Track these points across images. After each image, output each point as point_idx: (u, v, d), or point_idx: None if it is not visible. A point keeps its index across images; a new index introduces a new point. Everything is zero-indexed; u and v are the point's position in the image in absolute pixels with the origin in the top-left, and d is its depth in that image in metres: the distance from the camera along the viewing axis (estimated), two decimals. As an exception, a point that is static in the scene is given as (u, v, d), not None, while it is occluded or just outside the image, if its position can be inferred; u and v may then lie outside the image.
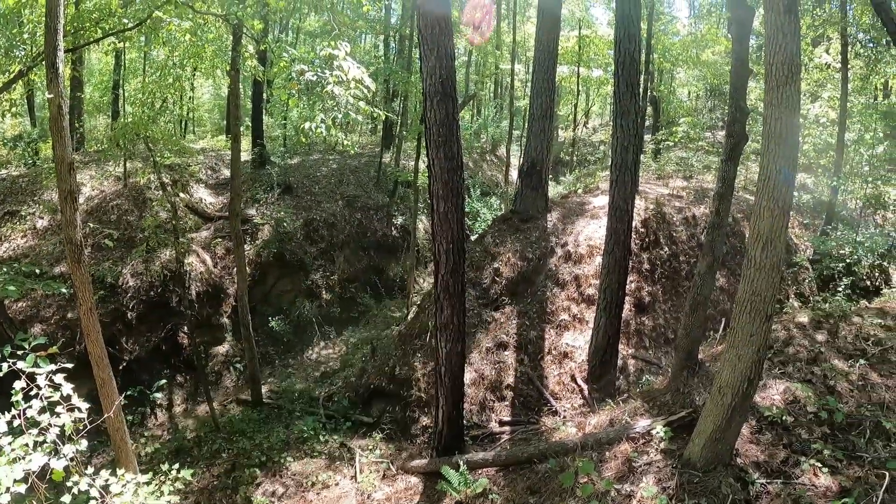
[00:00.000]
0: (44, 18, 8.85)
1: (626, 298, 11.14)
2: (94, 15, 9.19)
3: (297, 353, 16.22)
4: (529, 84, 17.10)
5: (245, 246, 14.85)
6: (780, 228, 5.46)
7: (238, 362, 14.95)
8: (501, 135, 27.00)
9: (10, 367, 4.67)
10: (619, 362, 10.98)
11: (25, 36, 9.35)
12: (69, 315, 12.38)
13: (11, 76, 8.87)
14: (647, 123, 22.39)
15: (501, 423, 10.70)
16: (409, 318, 14.54)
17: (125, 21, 9.49)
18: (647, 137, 22.05)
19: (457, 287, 8.49)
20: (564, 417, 9.96)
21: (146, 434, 12.35)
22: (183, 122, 26.21)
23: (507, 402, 11.01)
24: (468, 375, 10.66)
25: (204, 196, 18.00)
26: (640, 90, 12.82)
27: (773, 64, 5.10)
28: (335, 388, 13.42)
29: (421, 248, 19.67)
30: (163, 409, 13.39)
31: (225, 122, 24.52)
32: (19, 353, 4.77)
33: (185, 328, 13.96)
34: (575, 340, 11.68)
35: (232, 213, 13.25)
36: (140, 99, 14.54)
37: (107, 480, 4.96)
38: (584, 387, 10.80)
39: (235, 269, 14.05)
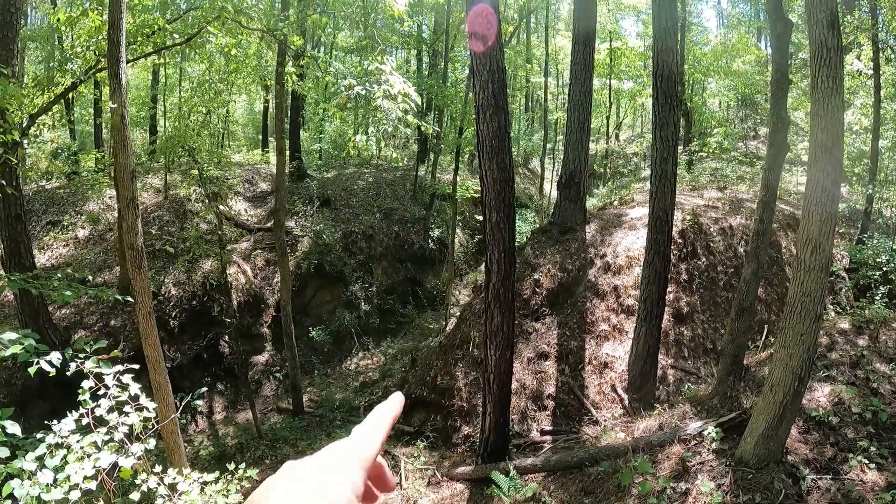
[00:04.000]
0: (93, 34, 9.27)
1: (665, 309, 11.21)
2: (145, 30, 9.53)
3: (337, 363, 16.47)
4: (560, 97, 17.22)
5: (287, 258, 15.19)
6: (828, 232, 5.63)
7: (278, 371, 15.25)
8: (534, 148, 27.19)
9: (77, 366, 4.76)
10: (659, 372, 11.02)
11: (78, 49, 9.72)
12: (112, 322, 12.79)
13: (64, 88, 9.24)
14: (679, 134, 22.46)
15: (543, 433, 10.80)
16: (448, 329, 14.75)
17: (175, 36, 9.86)
18: (679, 148, 22.10)
19: (507, 295, 8.67)
20: (605, 427, 10.07)
21: (186, 440, 12.66)
22: (220, 136, 26.84)
23: (548, 412, 11.12)
24: (510, 385, 10.83)
25: (243, 208, 18.42)
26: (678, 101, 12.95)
27: (818, 77, 5.29)
28: (375, 397, 13.62)
29: (457, 260, 19.88)
30: (203, 416, 13.68)
31: (261, 137, 25.00)
32: (80, 356, 4.87)
33: (227, 337, 14.29)
34: (615, 350, 11.76)
35: (276, 225, 13.59)
36: (179, 113, 14.95)
37: (174, 479, 5.04)
38: (625, 396, 10.87)
39: (276, 279, 14.36)
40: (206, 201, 14.79)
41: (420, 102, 12.97)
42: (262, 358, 15.56)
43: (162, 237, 14.86)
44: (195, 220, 16.11)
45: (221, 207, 17.01)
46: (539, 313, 12.43)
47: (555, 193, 16.70)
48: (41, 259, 14.14)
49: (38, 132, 12.04)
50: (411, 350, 15.23)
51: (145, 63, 14.89)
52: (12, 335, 5.00)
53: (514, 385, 11.00)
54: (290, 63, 12.79)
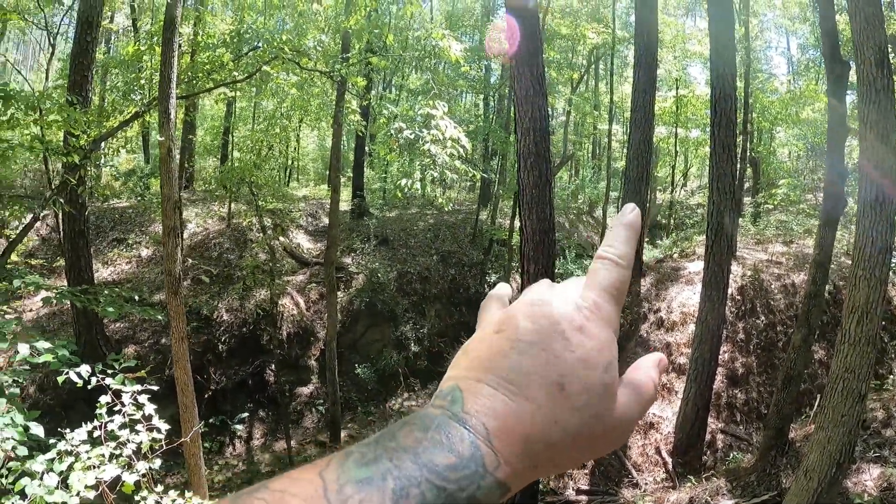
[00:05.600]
0: (160, 67, 9.68)
1: (719, 369, 10.57)
2: (206, 66, 9.92)
3: (381, 402, 16.27)
4: (627, 145, 16.85)
5: (339, 293, 15.21)
6: (877, 300, 5.09)
7: (321, 404, 15.16)
8: (598, 196, 26.72)
9: (98, 381, 4.94)
10: (707, 436, 10.37)
11: (143, 81, 10.12)
12: (162, 340, 13.08)
13: (128, 117, 9.63)
14: (746, 185, 21.48)
15: (578, 492, 10.27)
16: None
17: (235, 74, 10.15)
18: (746, 200, 21.17)
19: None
20: (645, 491, 9.46)
21: (221, 462, 12.69)
22: (287, 170, 27.41)
23: (586, 470, 10.58)
24: (547, 438, 10.33)
25: (303, 242, 18.65)
26: (738, 151, 12.37)
27: (866, 123, 4.82)
28: (413, 439, 13.33)
29: (512, 307, 19.42)
30: (241, 440, 13.74)
31: (328, 172, 25.42)
32: (108, 371, 5.06)
33: (273, 366, 14.37)
34: (662, 411, 11.20)
35: (327, 261, 13.67)
36: (248, 145, 15.39)
37: (174, 501, 4.98)
38: (669, 460, 10.25)
39: (327, 314, 14.40)
40: (264, 232, 15.06)
41: (473, 147, 12.89)
42: (306, 389, 15.53)
43: (201, 266, 15.13)
44: (254, 249, 16.39)
45: (282, 239, 17.31)
46: (586, 367, 11.94)
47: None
48: (104, 273, 14.78)
49: (115, 153, 12.70)
50: (455, 395, 14.91)
51: (219, 95, 15.51)
52: (46, 344, 5.26)
53: (551, 440, 10.50)
54: (354, 103, 12.98)
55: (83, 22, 10.97)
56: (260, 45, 10.40)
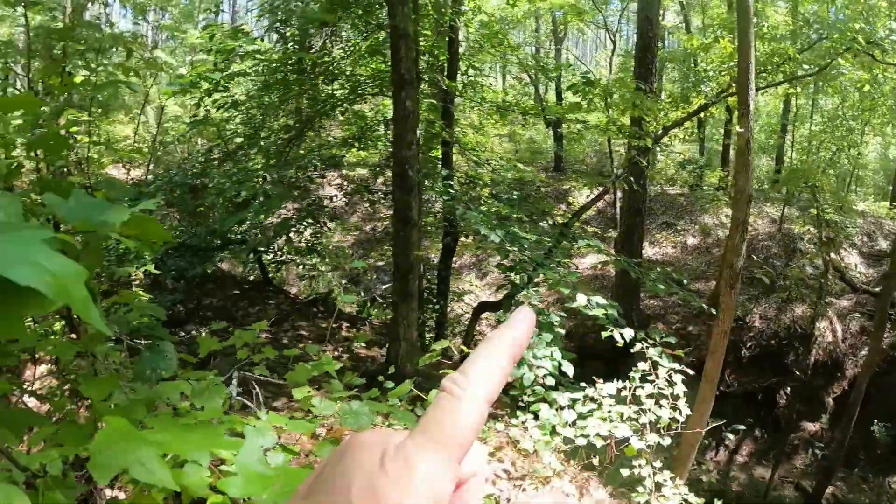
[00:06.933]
0: (725, 60, 9.86)
1: None
2: (774, 59, 9.50)
3: (892, 471, 13.76)
4: None
5: (884, 332, 13.26)
6: None
7: (821, 448, 13.48)
8: None
9: (641, 348, 5.34)
10: None
11: (710, 73, 10.15)
12: (689, 328, 13.38)
13: (694, 108, 9.87)
14: None
15: None
16: None
17: (806, 67, 9.54)
18: None
19: None
20: None
21: (700, 461, 12.52)
22: (846, 180, 24.64)
23: None
24: None
25: (855, 263, 16.64)
26: None
27: None
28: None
29: None
30: (726, 449, 13.34)
31: (891, 188, 21.92)
32: (648, 341, 5.42)
33: (788, 389, 13.52)
34: None
35: (884, 291, 12.00)
36: (808, 147, 14.35)
37: (664, 481, 4.98)
38: None
39: (868, 351, 12.69)
40: (818, 245, 14.02)
41: None
42: (812, 426, 14.08)
43: (763, 267, 14.76)
44: (802, 260, 15.40)
45: (833, 255, 15.76)
46: None
47: None
48: (648, 252, 15.70)
49: (670, 142, 13.42)
50: None
51: (776, 91, 14.94)
52: (602, 300, 6.09)
53: None
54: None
55: (643, 19, 11.65)
56: (824, 35, 9.54)
